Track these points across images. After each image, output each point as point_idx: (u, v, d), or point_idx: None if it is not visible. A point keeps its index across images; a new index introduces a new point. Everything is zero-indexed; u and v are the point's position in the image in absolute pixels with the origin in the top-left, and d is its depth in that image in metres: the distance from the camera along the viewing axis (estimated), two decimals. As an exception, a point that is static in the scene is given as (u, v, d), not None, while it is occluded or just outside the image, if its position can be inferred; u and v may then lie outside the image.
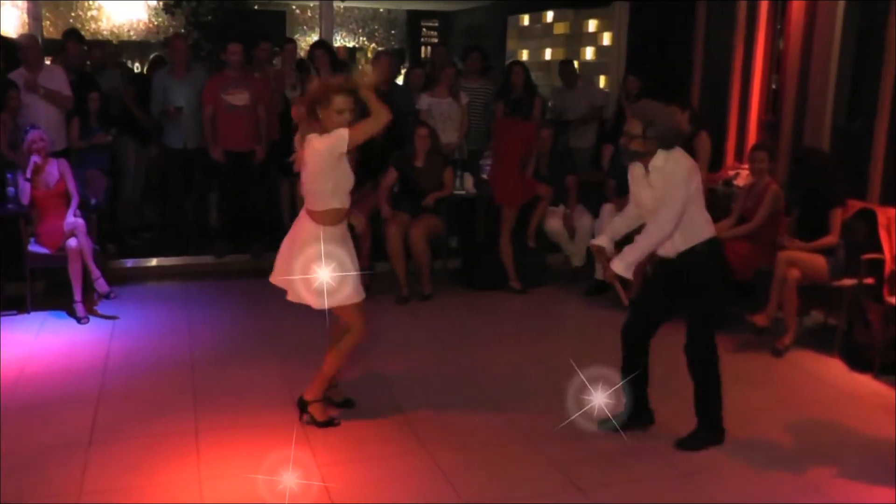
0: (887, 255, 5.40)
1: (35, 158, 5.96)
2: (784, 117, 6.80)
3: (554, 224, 7.17)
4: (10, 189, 6.16)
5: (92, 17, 13.81)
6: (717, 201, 6.56)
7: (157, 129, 7.63)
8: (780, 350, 5.53)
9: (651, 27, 8.63)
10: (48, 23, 12.62)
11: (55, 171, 6.11)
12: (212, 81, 7.23)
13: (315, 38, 10.55)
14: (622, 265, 3.99)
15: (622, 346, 4.31)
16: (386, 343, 5.59)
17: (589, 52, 11.32)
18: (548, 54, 12.41)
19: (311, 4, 14.07)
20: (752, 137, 7.24)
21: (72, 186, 6.14)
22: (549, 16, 12.44)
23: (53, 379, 4.95)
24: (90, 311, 6.03)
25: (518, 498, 3.73)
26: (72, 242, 5.85)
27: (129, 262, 7.33)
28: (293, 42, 8.54)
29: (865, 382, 5.12)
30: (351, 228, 4.30)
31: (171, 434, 4.23)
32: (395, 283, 6.65)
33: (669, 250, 4.09)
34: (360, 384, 4.89)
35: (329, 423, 4.29)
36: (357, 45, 15.78)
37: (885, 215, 5.52)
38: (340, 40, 15.27)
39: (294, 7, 14.96)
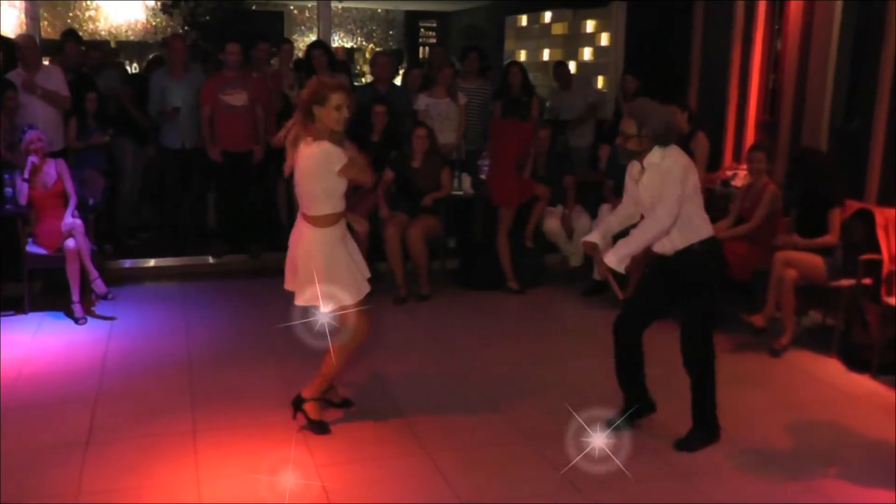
0: (885, 256, 5.39)
1: (33, 159, 5.95)
2: (782, 117, 6.80)
3: (552, 224, 7.17)
4: (8, 189, 6.16)
5: (90, 17, 13.80)
6: (715, 201, 6.56)
7: (155, 130, 7.62)
8: (777, 350, 5.53)
9: (649, 27, 8.64)
10: (46, 23, 12.61)
11: (53, 171, 6.11)
12: (210, 81, 7.23)
13: (313, 38, 10.55)
14: (615, 258, 3.98)
15: (615, 342, 4.32)
16: (384, 343, 5.58)
17: (587, 53, 11.32)
18: (546, 55, 12.41)
19: (309, 5, 14.07)
20: (749, 138, 7.24)
21: (69, 187, 6.13)
22: (547, 16, 12.44)
23: (51, 379, 4.95)
24: (88, 311, 6.03)
25: (517, 498, 3.73)
26: (69, 243, 5.84)
27: (127, 263, 7.32)
28: (290, 42, 8.54)
29: (863, 382, 5.12)
30: (351, 229, 4.30)
31: (169, 434, 4.23)
32: (392, 283, 6.65)
33: (667, 248, 4.09)
34: (359, 384, 4.89)
35: (320, 425, 4.26)
36: (355, 46, 15.79)
37: (882, 216, 5.52)
38: (338, 41, 15.28)
39: (292, 7, 14.97)
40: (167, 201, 7.89)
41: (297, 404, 4.30)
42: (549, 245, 7.32)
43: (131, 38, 14.01)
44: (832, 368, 5.35)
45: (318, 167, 3.94)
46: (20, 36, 7.24)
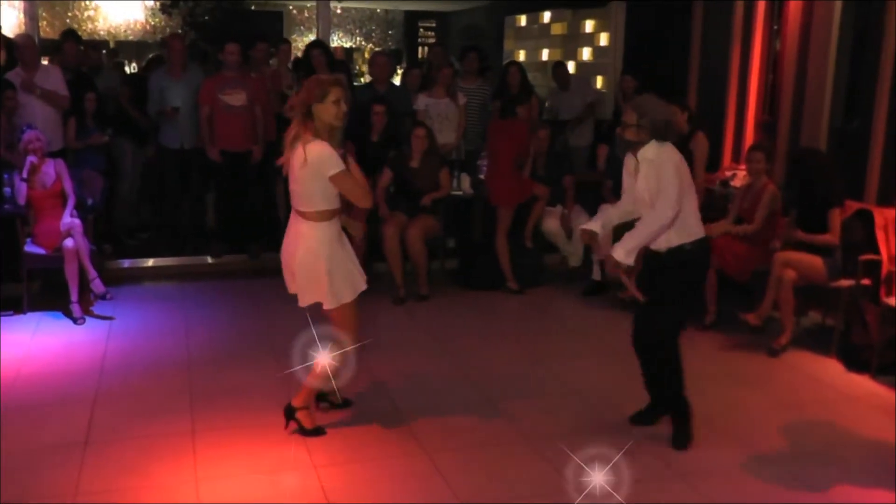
0: (884, 256, 5.39)
1: (31, 158, 5.94)
2: (781, 118, 6.80)
3: (551, 224, 7.17)
4: (7, 189, 6.15)
5: (89, 17, 13.80)
6: (715, 202, 6.57)
7: (154, 130, 7.62)
8: (776, 350, 5.53)
9: (648, 27, 8.64)
10: (45, 23, 12.62)
11: (52, 171, 6.10)
12: (209, 82, 7.23)
13: (312, 38, 10.54)
14: (623, 251, 3.99)
15: (637, 354, 4.32)
16: (383, 344, 5.58)
17: (586, 53, 11.31)
18: (545, 55, 12.41)
19: (309, 5, 14.07)
20: (749, 138, 7.24)
21: (68, 187, 6.12)
22: (547, 16, 12.44)
23: (50, 379, 4.94)
24: (87, 311, 6.02)
25: (516, 498, 3.73)
26: (68, 243, 5.84)
27: (126, 263, 7.31)
28: (288, 42, 8.54)
29: (863, 383, 5.12)
30: (347, 233, 4.28)
31: (168, 434, 4.22)
32: (392, 283, 6.64)
33: (661, 244, 4.10)
34: (358, 384, 4.89)
35: (316, 432, 4.24)
36: (354, 46, 15.79)
37: (882, 216, 5.52)
38: (337, 41, 15.28)
39: (291, 7, 14.97)
40: (166, 201, 7.89)
41: (289, 414, 4.26)
42: (549, 245, 7.32)
43: (130, 38, 14.01)
44: (832, 369, 5.34)
45: (314, 167, 3.93)
46: (19, 36, 7.23)
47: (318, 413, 4.38)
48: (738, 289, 6.03)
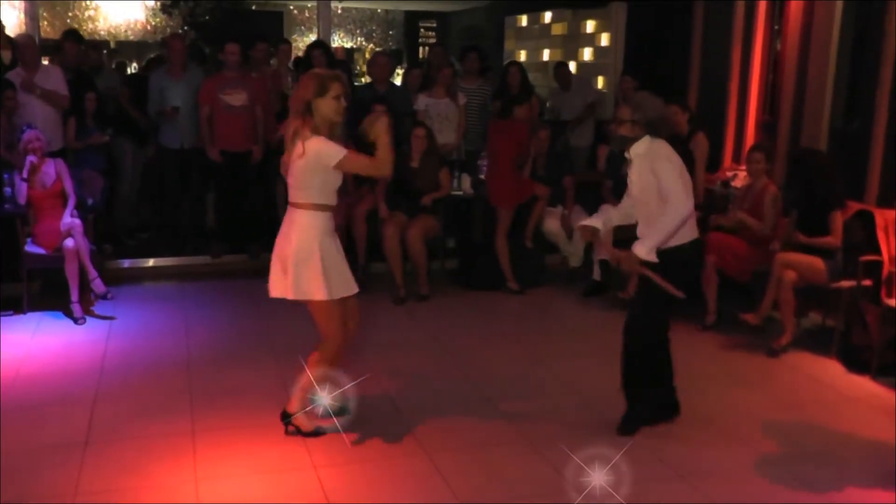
0: (885, 257, 5.39)
1: (31, 158, 5.94)
2: (781, 118, 6.79)
3: (552, 225, 7.17)
4: (7, 189, 6.15)
5: (89, 17, 13.80)
6: (715, 202, 6.56)
7: (154, 130, 7.62)
8: (775, 350, 5.52)
9: (648, 28, 8.63)
10: (45, 23, 12.61)
11: (52, 171, 6.10)
12: (209, 82, 7.23)
13: (313, 38, 10.55)
14: (644, 249, 3.98)
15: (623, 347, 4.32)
16: (383, 343, 5.58)
17: (587, 53, 11.31)
18: (546, 55, 12.41)
19: (309, 5, 14.07)
20: (749, 138, 7.23)
21: (69, 186, 6.12)
22: (547, 16, 12.44)
23: (50, 379, 4.94)
24: (87, 311, 6.02)
25: (516, 498, 3.73)
26: (68, 243, 5.84)
27: (126, 263, 7.32)
28: (288, 43, 8.54)
29: (863, 384, 5.11)
30: (347, 232, 4.24)
31: (168, 434, 4.22)
32: (392, 283, 6.64)
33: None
34: (357, 385, 4.88)
35: (316, 433, 4.22)
36: (355, 46, 15.79)
37: (882, 217, 5.51)
38: (338, 41, 15.27)
39: (292, 7, 14.97)
40: (166, 201, 7.89)
41: (286, 420, 4.23)
42: (549, 245, 7.32)
43: (131, 38, 14.01)
44: (832, 370, 5.34)
45: (314, 162, 3.92)
46: (19, 36, 7.24)
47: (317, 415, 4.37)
48: (738, 289, 6.02)
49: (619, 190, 4.46)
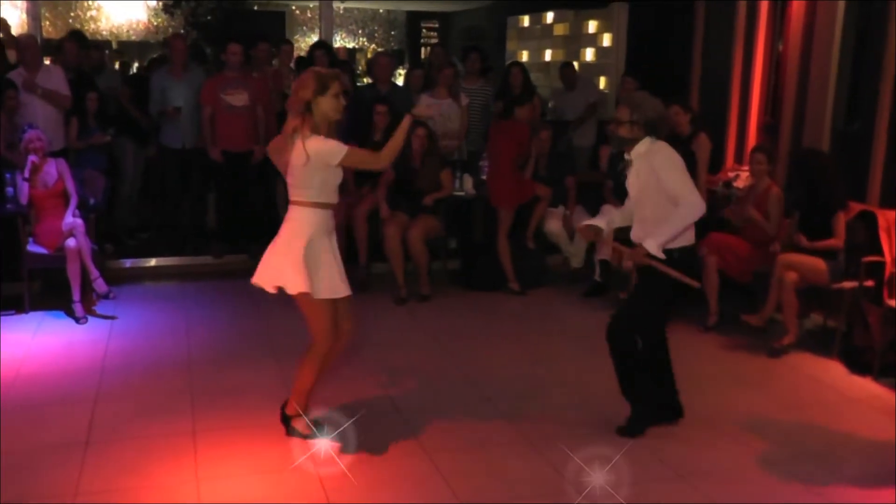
0: (887, 258, 5.38)
1: (32, 158, 5.95)
2: (783, 119, 6.79)
3: (553, 225, 7.16)
4: (9, 189, 6.16)
5: (91, 17, 13.81)
6: (717, 203, 6.55)
7: (155, 130, 7.63)
8: (777, 350, 5.52)
9: (650, 28, 8.63)
10: (47, 23, 12.63)
11: (53, 170, 6.10)
12: (210, 82, 7.23)
13: (315, 38, 10.55)
14: (655, 244, 3.97)
15: (609, 348, 4.34)
16: (383, 343, 5.58)
17: (589, 54, 11.31)
18: (548, 55, 12.41)
19: (311, 5, 14.08)
20: (751, 139, 7.23)
21: (70, 186, 6.13)
22: (549, 17, 12.45)
23: (51, 379, 4.94)
24: (88, 311, 6.02)
25: (516, 498, 3.72)
26: (70, 242, 5.84)
27: (128, 262, 7.32)
28: (290, 43, 8.54)
29: (865, 385, 5.11)
30: (347, 232, 4.24)
31: (169, 434, 4.22)
32: (393, 283, 6.64)
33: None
34: (358, 385, 4.89)
35: (315, 434, 4.20)
36: (357, 46, 15.80)
37: (885, 218, 5.50)
38: (340, 41, 15.28)
39: (294, 8, 14.98)
40: (167, 201, 7.90)
41: (286, 422, 4.23)
42: (551, 246, 7.31)
43: (132, 38, 14.02)
44: (833, 371, 5.33)
45: (316, 162, 3.92)
46: (21, 36, 7.25)
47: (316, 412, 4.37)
48: (739, 290, 6.02)
49: (620, 191, 4.45)
